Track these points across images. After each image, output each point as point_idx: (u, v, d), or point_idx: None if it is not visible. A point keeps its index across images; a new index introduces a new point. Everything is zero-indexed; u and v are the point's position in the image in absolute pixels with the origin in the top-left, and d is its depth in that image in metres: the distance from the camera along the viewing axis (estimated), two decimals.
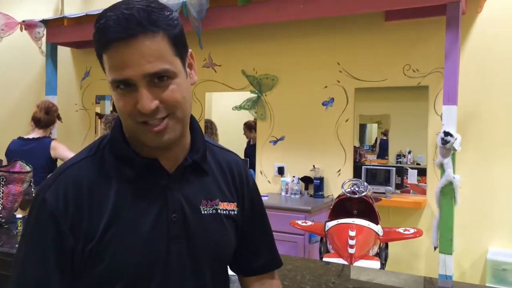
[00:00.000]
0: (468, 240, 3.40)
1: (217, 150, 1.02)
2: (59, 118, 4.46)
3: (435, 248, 3.13)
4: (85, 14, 4.31)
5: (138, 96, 0.80)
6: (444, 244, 3.04)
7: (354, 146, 3.92)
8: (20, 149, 3.17)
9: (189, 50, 0.89)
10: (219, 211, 0.94)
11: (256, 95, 4.26)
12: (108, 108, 5.30)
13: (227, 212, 0.95)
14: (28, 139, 3.28)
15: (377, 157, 3.99)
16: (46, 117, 3.31)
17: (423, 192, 3.64)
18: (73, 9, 5.02)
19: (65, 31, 4.58)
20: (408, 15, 3.53)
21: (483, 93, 3.38)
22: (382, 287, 1.33)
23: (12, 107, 5.52)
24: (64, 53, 5.16)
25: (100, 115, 5.19)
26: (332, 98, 3.93)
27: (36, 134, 3.31)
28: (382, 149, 3.98)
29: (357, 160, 3.93)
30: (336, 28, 3.89)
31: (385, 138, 3.97)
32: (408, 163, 3.78)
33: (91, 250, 0.83)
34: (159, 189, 0.89)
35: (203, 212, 0.92)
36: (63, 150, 3.25)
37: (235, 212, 0.97)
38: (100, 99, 5.26)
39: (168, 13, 0.82)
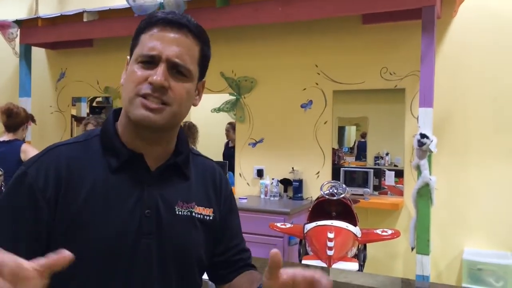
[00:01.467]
0: (444, 240, 3.45)
1: (198, 157, 1.06)
2: (33, 120, 4.37)
3: (412, 249, 3.17)
4: (60, 14, 4.24)
5: (154, 71, 0.87)
6: (421, 244, 3.08)
7: (333, 148, 3.94)
8: None
9: (204, 80, 1.00)
10: (193, 214, 0.96)
11: (234, 97, 4.24)
12: (84, 110, 5.22)
13: (201, 216, 0.97)
14: (3, 141, 3.21)
15: (356, 159, 4.02)
16: (10, 121, 3.23)
17: (401, 193, 3.68)
18: (48, 10, 4.92)
19: (39, 32, 4.49)
20: (385, 18, 3.57)
21: (458, 96, 3.44)
22: None
23: None
24: (38, 54, 5.06)
25: (76, 118, 5.10)
26: (311, 101, 3.95)
27: (6, 137, 3.23)
28: (360, 151, 4.02)
29: (336, 162, 3.96)
30: (315, 31, 3.91)
31: (363, 140, 4.01)
32: (386, 164, 3.82)
33: (64, 230, 0.85)
34: (138, 184, 0.91)
35: (177, 213, 0.93)
36: (34, 154, 3.17)
37: (210, 218, 0.99)
38: (76, 101, 5.17)
39: (208, 38, 0.97)
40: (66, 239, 0.84)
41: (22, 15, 4.98)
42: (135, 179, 0.91)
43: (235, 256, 1.07)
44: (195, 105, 0.98)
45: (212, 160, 1.10)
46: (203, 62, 0.96)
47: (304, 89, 3.96)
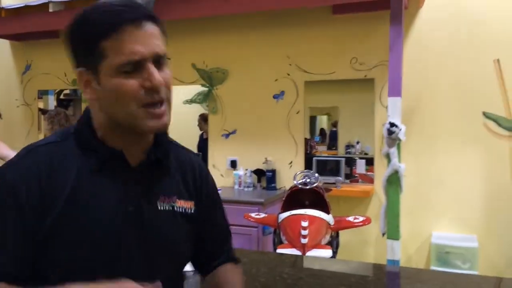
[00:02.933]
0: (413, 225, 3.56)
1: (179, 149, 1.04)
2: None
3: (383, 235, 3.25)
4: (24, 5, 4.11)
5: (147, 73, 0.83)
6: (392, 230, 3.17)
7: (305, 138, 3.99)
8: None
9: None
10: (175, 208, 0.95)
11: (207, 88, 4.23)
12: (51, 103, 5.09)
13: (183, 210, 0.97)
14: None
15: (328, 148, 4.08)
16: None
17: (372, 181, 3.77)
18: (11, 0, 4.76)
19: (2, 23, 4.34)
20: (354, 9, 3.62)
21: (426, 85, 3.53)
22: (333, 275, 1.36)
23: None
24: (2, 46, 4.90)
25: (43, 111, 4.97)
26: (283, 91, 3.97)
27: None
28: (332, 140, 4.08)
29: (308, 151, 4.01)
30: (286, 21, 3.93)
31: (334, 129, 4.07)
32: (357, 153, 3.90)
33: (49, 231, 0.84)
34: (120, 181, 0.90)
35: (159, 208, 0.93)
36: (2, 149, 3.08)
37: (192, 211, 0.98)
38: (42, 94, 5.04)
39: None
40: (52, 240, 0.83)
41: None
42: (116, 177, 0.90)
43: (218, 249, 1.08)
44: None
45: (194, 153, 1.09)
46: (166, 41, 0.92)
47: (276, 80, 3.98)
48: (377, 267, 1.43)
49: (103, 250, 0.87)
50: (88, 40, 0.84)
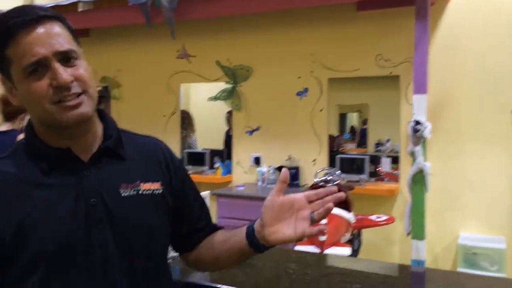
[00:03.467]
0: (440, 225, 3.49)
1: (135, 136, 1.05)
2: None
3: (407, 234, 3.20)
4: (55, 4, 4.22)
5: (52, 72, 0.85)
6: (416, 230, 3.11)
7: (332, 135, 3.96)
8: None
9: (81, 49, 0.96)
10: (140, 192, 0.95)
11: (231, 85, 4.25)
12: None
13: (150, 192, 0.97)
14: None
15: (358, 146, 4.03)
16: (8, 109, 3.21)
17: (397, 179, 3.70)
18: (43, 0, 4.91)
19: None
20: (379, 5, 3.57)
21: (453, 82, 3.45)
22: (341, 272, 1.36)
23: None
24: None
25: None
26: (306, 88, 3.96)
27: (6, 127, 3.23)
28: (362, 138, 4.03)
29: (335, 149, 3.97)
30: (310, 19, 3.91)
31: (365, 127, 4.02)
32: (386, 151, 3.84)
33: (11, 241, 0.85)
34: (74, 177, 0.91)
35: (123, 195, 0.93)
36: None
37: (160, 191, 0.98)
38: None
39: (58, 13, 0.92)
40: (20, 247, 0.85)
41: (15, 5, 4.96)
42: (70, 174, 0.91)
43: (196, 225, 1.08)
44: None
45: (153, 137, 1.09)
46: (75, 36, 0.93)
47: (300, 77, 3.97)
48: (402, 267, 1.40)
49: (72, 246, 0.87)
50: None
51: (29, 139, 0.94)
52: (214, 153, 4.41)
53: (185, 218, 1.06)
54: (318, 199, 0.92)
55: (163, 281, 1.00)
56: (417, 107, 3.09)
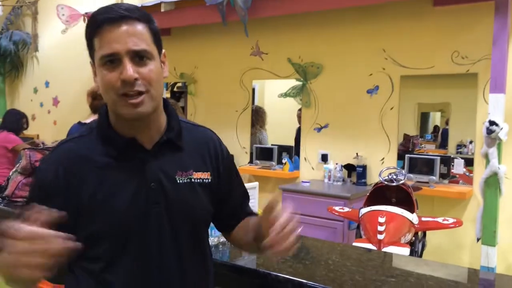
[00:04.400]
0: None
1: (193, 127, 1.17)
2: None
3: (477, 240, 3.07)
4: (140, 5, 4.55)
5: (122, 68, 0.96)
6: (487, 235, 2.98)
7: (407, 135, 3.86)
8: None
9: (164, 50, 1.07)
10: (193, 180, 1.08)
11: (301, 82, 4.31)
12: (163, 95, 5.55)
13: (201, 180, 1.10)
14: (85, 123, 3.54)
15: (439, 147, 3.86)
16: (96, 103, 3.54)
17: (472, 182, 3.54)
18: (130, 1, 5.29)
19: None
20: (457, 0, 3.42)
21: None
22: (378, 266, 1.38)
23: (76, 93, 5.92)
24: None
25: None
26: (377, 86, 3.90)
27: (92, 118, 3.56)
28: (444, 139, 3.86)
29: (410, 149, 3.87)
30: (383, 15, 3.84)
31: (447, 127, 3.85)
32: (469, 153, 3.66)
33: (80, 214, 1.00)
34: (139, 163, 1.04)
35: (178, 182, 1.06)
36: None
37: (209, 180, 1.11)
38: None
39: (150, 15, 1.03)
40: (85, 219, 1.00)
41: None
42: (135, 161, 1.04)
43: (236, 209, 1.21)
44: (165, 77, 1.07)
45: (208, 129, 1.21)
46: (156, 38, 1.03)
47: (371, 74, 3.92)
48: (471, 271, 1.38)
49: (132, 221, 1.01)
50: (88, 38, 1.01)
51: (102, 123, 1.07)
52: (283, 148, 4.49)
53: (226, 204, 1.18)
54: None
55: (203, 256, 1.13)
56: (494, 107, 2.95)
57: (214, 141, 1.17)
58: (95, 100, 3.52)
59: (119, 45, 0.96)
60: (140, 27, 0.99)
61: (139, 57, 0.98)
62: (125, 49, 0.96)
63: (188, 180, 1.08)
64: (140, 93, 0.98)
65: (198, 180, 1.09)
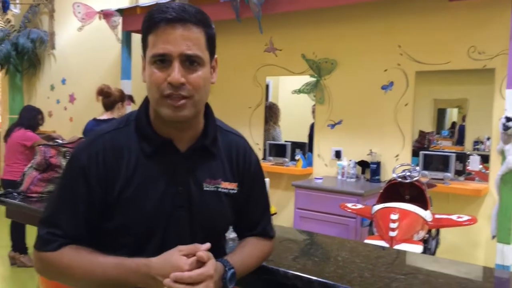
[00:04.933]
0: None
1: (227, 133, 1.16)
2: (132, 100, 4.82)
3: (493, 237, 3.03)
4: (155, 2, 4.57)
5: (171, 70, 0.96)
6: (502, 233, 2.94)
7: (422, 131, 3.82)
8: (93, 129, 3.49)
9: (216, 56, 1.07)
10: (219, 189, 1.09)
11: (315, 79, 4.29)
12: None
13: (227, 190, 1.10)
14: (100, 120, 3.60)
15: (456, 143, 3.81)
16: (106, 100, 3.59)
17: (488, 179, 3.49)
18: None
19: (138, 19, 4.87)
20: None
21: None
22: (389, 263, 1.37)
23: (92, 90, 5.98)
24: (139, 39, 5.47)
25: None
26: (392, 82, 3.86)
27: (106, 116, 3.61)
28: (461, 135, 3.81)
29: (426, 145, 3.83)
30: (398, 10, 3.80)
31: (464, 123, 3.80)
32: (486, 150, 3.61)
33: (110, 206, 1.02)
34: (170, 165, 1.05)
35: (205, 188, 1.07)
36: None
37: (235, 191, 1.12)
38: None
39: (209, 18, 1.02)
40: (114, 211, 1.02)
41: (124, 4, 5.45)
42: (167, 161, 1.04)
43: (253, 223, 1.20)
44: (213, 83, 1.06)
45: (241, 136, 1.20)
46: (211, 44, 1.02)
47: (385, 70, 3.88)
48: (486, 269, 1.36)
49: (155, 221, 1.03)
50: (143, 32, 1.02)
51: (140, 118, 1.07)
52: (296, 145, 4.48)
53: (246, 216, 1.19)
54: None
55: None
56: (511, 102, 2.90)
57: (245, 149, 1.17)
58: (105, 98, 3.58)
59: (172, 47, 0.96)
60: (196, 31, 0.98)
61: (190, 62, 0.98)
62: (177, 51, 0.96)
63: (215, 188, 1.09)
64: (183, 97, 0.98)
65: (225, 190, 1.10)
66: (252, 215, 1.20)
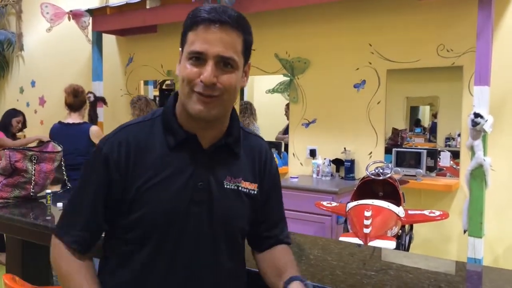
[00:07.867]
0: (502, 224, 3.32)
1: (249, 135, 1.19)
2: (105, 102, 4.72)
3: (464, 231, 3.09)
4: (125, 3, 4.51)
5: (204, 69, 1.00)
6: (474, 227, 3.00)
7: (395, 129, 3.87)
8: (61, 133, 3.38)
9: (249, 61, 1.11)
10: (240, 188, 1.10)
11: (288, 78, 4.30)
12: (151, 93, 5.52)
13: (247, 190, 1.11)
14: (68, 124, 3.49)
15: (428, 140, 3.88)
16: (76, 100, 3.48)
17: (458, 175, 3.56)
18: None
19: (108, 20, 4.80)
20: None
21: None
22: (361, 259, 1.38)
23: (62, 92, 5.86)
24: (109, 41, 5.41)
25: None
26: (364, 80, 3.90)
27: (73, 119, 3.49)
28: (433, 132, 3.88)
29: (399, 143, 3.88)
30: (368, 9, 3.85)
31: (435, 120, 3.87)
32: (458, 146, 3.68)
33: (132, 195, 1.03)
34: (193, 160, 1.07)
35: (225, 186, 1.08)
36: (101, 133, 3.47)
37: (255, 192, 1.13)
38: (145, 84, 5.48)
39: (249, 25, 1.07)
40: (134, 202, 1.03)
41: (95, 4, 5.35)
42: (190, 156, 1.06)
43: (270, 232, 1.19)
44: (243, 86, 1.10)
45: (262, 138, 1.22)
46: (247, 49, 1.06)
47: (357, 69, 3.92)
48: (459, 264, 1.38)
49: (173, 216, 1.03)
50: (184, 28, 1.06)
51: (167, 111, 1.10)
52: (272, 145, 4.48)
53: (263, 219, 1.18)
54: None
55: (237, 261, 1.14)
56: (479, 99, 2.97)
57: (265, 151, 1.19)
58: (76, 97, 3.47)
59: (209, 47, 0.99)
60: (235, 36, 1.02)
61: (224, 63, 1.01)
62: (213, 52, 0.99)
63: (236, 187, 1.10)
64: (213, 96, 1.01)
65: (245, 190, 1.11)
66: (268, 224, 1.19)
